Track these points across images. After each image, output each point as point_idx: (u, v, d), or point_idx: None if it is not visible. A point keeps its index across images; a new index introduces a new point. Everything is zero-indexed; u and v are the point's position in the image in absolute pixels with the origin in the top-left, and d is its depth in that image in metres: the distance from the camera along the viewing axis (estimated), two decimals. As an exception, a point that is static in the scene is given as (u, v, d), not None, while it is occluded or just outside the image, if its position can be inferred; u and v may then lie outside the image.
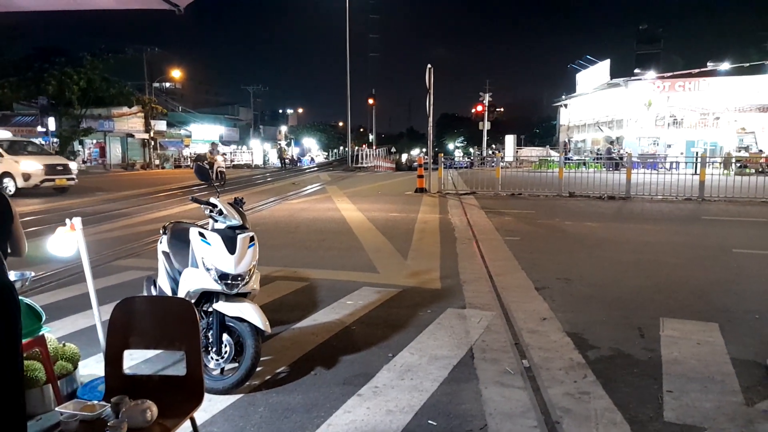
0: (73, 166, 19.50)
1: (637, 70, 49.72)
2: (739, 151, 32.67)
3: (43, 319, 3.51)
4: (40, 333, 3.34)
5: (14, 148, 18.61)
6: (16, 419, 2.26)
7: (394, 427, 3.14)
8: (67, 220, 3.65)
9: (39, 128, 33.15)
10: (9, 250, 2.37)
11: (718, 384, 3.65)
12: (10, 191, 16.89)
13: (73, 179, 18.77)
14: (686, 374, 3.80)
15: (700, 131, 39.33)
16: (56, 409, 2.66)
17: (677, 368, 3.90)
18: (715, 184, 15.32)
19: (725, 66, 40.11)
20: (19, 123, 38.72)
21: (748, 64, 38.62)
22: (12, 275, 2.38)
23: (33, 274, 3.27)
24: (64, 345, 3.64)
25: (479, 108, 49.52)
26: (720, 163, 23.03)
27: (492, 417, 3.23)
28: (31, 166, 17.62)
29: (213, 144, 27.05)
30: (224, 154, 37.88)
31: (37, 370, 3.18)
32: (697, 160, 18.55)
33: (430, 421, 3.21)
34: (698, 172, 16.41)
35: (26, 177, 17.26)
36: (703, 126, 39.63)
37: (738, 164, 23.65)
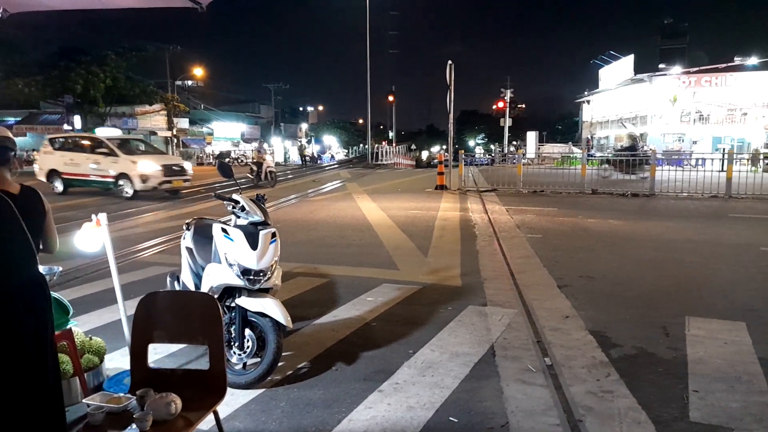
0: (188, 166, 17.75)
1: (661, 66, 48.87)
2: (767, 147, 31.96)
3: (71, 313, 3.59)
4: (68, 327, 3.41)
5: (127, 147, 17.05)
6: (53, 408, 2.31)
7: (415, 424, 3.14)
8: (93, 216, 3.72)
9: (65, 126, 33.71)
10: (41, 246, 2.41)
11: (744, 384, 3.58)
12: (127, 194, 15.62)
13: (188, 180, 17.16)
14: (712, 374, 3.73)
15: (727, 127, 38.57)
16: (83, 401, 2.71)
17: (703, 368, 3.83)
18: (743, 181, 15.00)
19: (753, 61, 39.21)
20: (46, 121, 39.49)
21: (776, 59, 37.76)
22: (41, 270, 2.43)
23: (61, 269, 3.33)
24: (90, 339, 3.71)
25: (500, 104, 49.19)
26: (747, 159, 22.56)
27: (513, 414, 3.22)
28: (149, 166, 15.84)
29: (260, 142, 26.55)
30: (272, 153, 37.84)
31: (65, 363, 3.24)
32: (724, 156, 18.20)
33: (451, 418, 3.20)
34: (725, 168, 16.10)
35: (144, 179, 15.55)
36: (730, 122, 38.85)
37: (766, 161, 23.13)
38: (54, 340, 2.43)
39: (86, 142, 17.62)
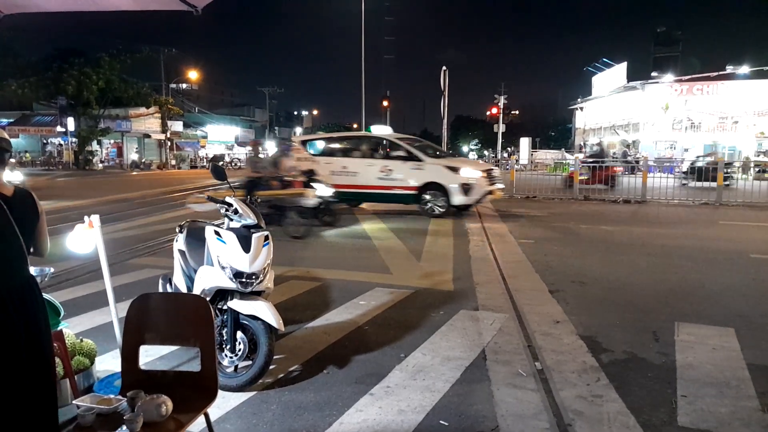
0: (497, 170, 14.14)
1: (654, 73, 49.21)
2: (758, 155, 32.24)
3: (62, 314, 3.58)
4: (59, 328, 3.41)
5: (423, 149, 13.08)
6: (46, 410, 2.30)
7: (405, 427, 3.15)
8: (86, 217, 3.71)
9: (58, 128, 33.60)
10: (32, 249, 2.41)
11: (733, 389, 3.61)
12: (439, 210, 11.96)
13: (503, 190, 13.96)
14: (701, 379, 3.76)
15: (718, 135, 38.85)
16: (74, 402, 2.70)
17: (692, 373, 3.86)
18: (733, 189, 15.11)
19: (744, 69, 39.55)
20: (39, 123, 39.32)
21: (767, 68, 38.07)
22: (32, 271, 2.42)
23: (52, 270, 3.32)
24: (81, 340, 3.70)
25: (494, 110, 49.31)
26: (738, 167, 22.74)
27: (504, 418, 3.23)
28: (473, 173, 12.20)
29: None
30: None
31: (56, 364, 3.23)
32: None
33: (441, 422, 3.21)
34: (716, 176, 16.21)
35: (467, 189, 11.86)
36: (722, 130, 39.14)
37: (757, 169, 23.33)
38: (50, 341, 2.42)
39: (366, 145, 13.50)
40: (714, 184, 15.49)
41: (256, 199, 4.23)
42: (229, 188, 4.37)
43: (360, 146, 13.41)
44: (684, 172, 19.91)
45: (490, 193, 12.52)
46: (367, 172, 12.44)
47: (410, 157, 12.37)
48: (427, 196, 12.04)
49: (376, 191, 12.41)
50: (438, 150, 14.91)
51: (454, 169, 12.01)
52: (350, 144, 13.87)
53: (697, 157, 25.80)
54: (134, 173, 35.04)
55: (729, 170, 18.40)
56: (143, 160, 42.52)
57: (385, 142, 13.42)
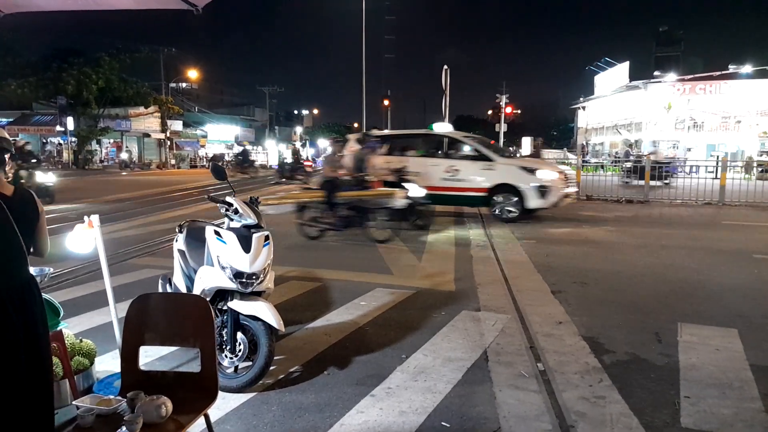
0: (571, 171, 13.02)
1: (656, 73, 49.10)
2: (761, 155, 32.17)
3: (61, 314, 3.56)
4: (58, 329, 3.39)
5: (493, 149, 12.33)
6: (43, 410, 2.29)
7: (407, 428, 3.13)
8: (86, 217, 3.70)
9: (58, 127, 33.61)
10: (32, 250, 2.39)
11: (736, 390, 3.59)
12: (511, 214, 11.17)
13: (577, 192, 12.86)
14: (704, 380, 3.74)
15: (721, 135, 38.79)
16: (73, 403, 2.69)
17: (695, 374, 3.84)
18: (736, 189, 15.09)
19: (747, 69, 39.45)
20: (38, 122, 39.34)
21: (770, 67, 37.99)
22: (31, 271, 2.41)
23: (51, 270, 3.31)
24: (81, 341, 3.68)
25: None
26: (741, 167, 22.71)
27: (506, 420, 3.21)
28: (550, 174, 11.37)
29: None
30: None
31: (55, 365, 3.21)
32: (718, 163, 18.30)
33: (443, 423, 3.20)
34: (719, 176, 16.19)
35: (543, 191, 11.01)
36: (724, 130, 39.07)
37: (760, 168, 23.30)
38: (48, 342, 2.41)
39: (429, 143, 12.83)
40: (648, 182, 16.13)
41: (256, 198, 4.19)
42: (230, 187, 4.35)
43: (422, 144, 12.63)
44: (627, 171, 19.95)
45: (567, 196, 11.78)
46: (430, 172, 11.47)
47: (480, 157, 11.53)
48: (499, 199, 11.27)
49: (441, 193, 11.37)
50: (504, 149, 14.08)
51: (530, 170, 11.20)
52: (411, 142, 12.84)
53: (639, 155, 25.79)
54: (124, 174, 33.53)
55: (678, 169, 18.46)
56: (134, 160, 41.52)
57: (450, 140, 12.38)
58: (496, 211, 11.35)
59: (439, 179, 11.48)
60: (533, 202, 11.04)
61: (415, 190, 9.90)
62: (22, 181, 13.95)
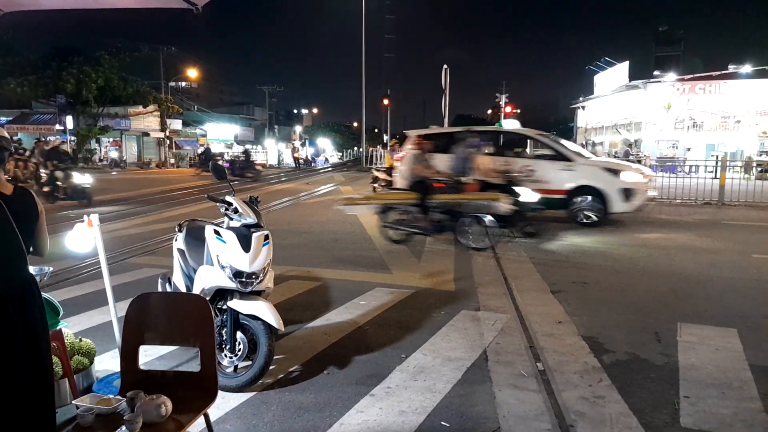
0: (650, 173, 12.40)
1: (656, 72, 49.07)
2: (761, 155, 32.18)
3: (61, 314, 3.56)
4: (58, 328, 3.39)
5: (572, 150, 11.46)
6: (44, 408, 2.29)
7: (406, 428, 3.13)
8: (85, 217, 3.69)
9: (57, 126, 33.55)
10: (31, 249, 2.39)
11: (736, 390, 3.59)
12: (591, 218, 10.46)
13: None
14: (704, 380, 3.74)
15: (721, 135, 38.80)
16: (73, 402, 2.69)
17: (694, 374, 3.84)
18: (735, 189, 15.09)
19: (746, 69, 39.45)
20: (38, 121, 39.28)
21: (770, 67, 37.99)
22: (31, 270, 2.40)
23: (51, 269, 3.30)
24: (80, 340, 3.68)
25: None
26: (741, 167, 22.71)
27: (505, 419, 3.21)
28: (635, 176, 10.71)
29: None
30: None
31: (55, 364, 3.21)
32: (717, 163, 18.29)
33: (443, 423, 3.20)
34: (718, 175, 16.17)
35: (628, 194, 10.36)
36: (724, 129, 39.07)
37: (759, 168, 23.30)
38: (48, 341, 2.41)
39: (501, 142, 11.82)
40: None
41: (256, 198, 4.19)
42: (230, 186, 4.35)
43: (494, 143, 11.73)
44: None
45: (651, 199, 10.97)
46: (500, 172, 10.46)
47: (558, 156, 10.82)
48: (578, 202, 10.57)
49: None
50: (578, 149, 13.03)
51: (614, 172, 10.54)
52: (481, 140, 11.60)
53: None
54: (113, 173, 32.07)
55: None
56: (124, 159, 40.59)
57: (524, 138, 11.64)
58: (576, 215, 10.63)
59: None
60: (618, 205, 10.38)
61: (528, 195, 9.22)
62: (58, 183, 13.58)
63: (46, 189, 13.64)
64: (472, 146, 9.44)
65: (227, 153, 32.84)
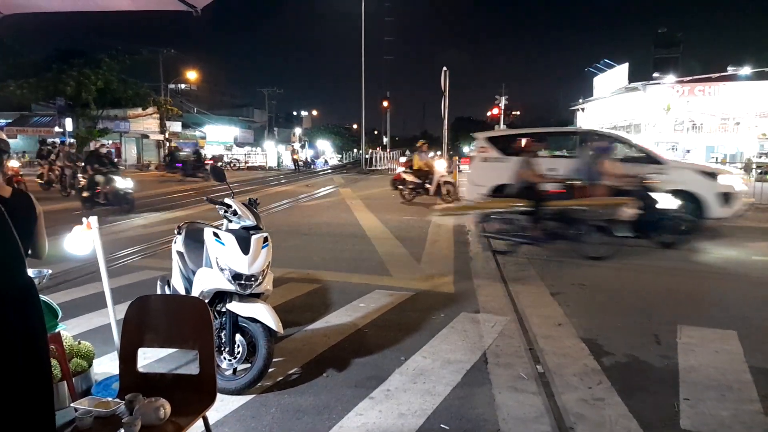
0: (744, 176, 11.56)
1: (655, 74, 49.12)
2: (760, 156, 32.20)
3: (59, 316, 3.56)
4: (56, 330, 3.38)
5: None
6: (43, 411, 2.28)
7: (406, 431, 3.12)
8: (84, 219, 3.69)
9: (56, 129, 33.57)
10: (29, 251, 2.39)
11: (735, 392, 3.59)
12: (689, 225, 8.98)
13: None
14: (703, 382, 3.74)
15: (720, 136, 38.83)
16: (71, 405, 2.68)
17: (694, 376, 3.84)
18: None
19: (746, 71, 39.52)
20: (37, 123, 39.32)
21: (769, 69, 38.04)
22: (29, 273, 2.40)
23: (50, 271, 3.30)
24: (79, 343, 3.67)
25: (495, 111, 49.33)
26: (740, 168, 22.71)
27: (505, 422, 3.21)
28: (733, 179, 10.03)
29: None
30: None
31: (53, 367, 3.21)
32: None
33: (442, 425, 3.19)
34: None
35: (727, 199, 9.67)
36: (723, 131, 39.11)
37: (759, 170, 23.30)
38: (47, 344, 2.40)
39: (578, 143, 10.99)
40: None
41: (255, 200, 4.18)
42: (229, 189, 4.34)
43: (570, 144, 10.92)
44: None
45: (750, 204, 10.43)
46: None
47: (646, 159, 10.06)
48: (671, 201, 9.39)
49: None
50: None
51: (711, 175, 9.82)
52: (556, 142, 11.17)
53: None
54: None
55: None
56: (124, 160, 40.85)
57: (606, 139, 10.38)
58: (679, 223, 9.35)
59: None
60: (717, 211, 9.66)
61: (668, 201, 8.69)
62: (98, 188, 12.83)
63: (85, 194, 13.01)
64: (600, 150, 8.80)
65: (180, 154, 31.91)
